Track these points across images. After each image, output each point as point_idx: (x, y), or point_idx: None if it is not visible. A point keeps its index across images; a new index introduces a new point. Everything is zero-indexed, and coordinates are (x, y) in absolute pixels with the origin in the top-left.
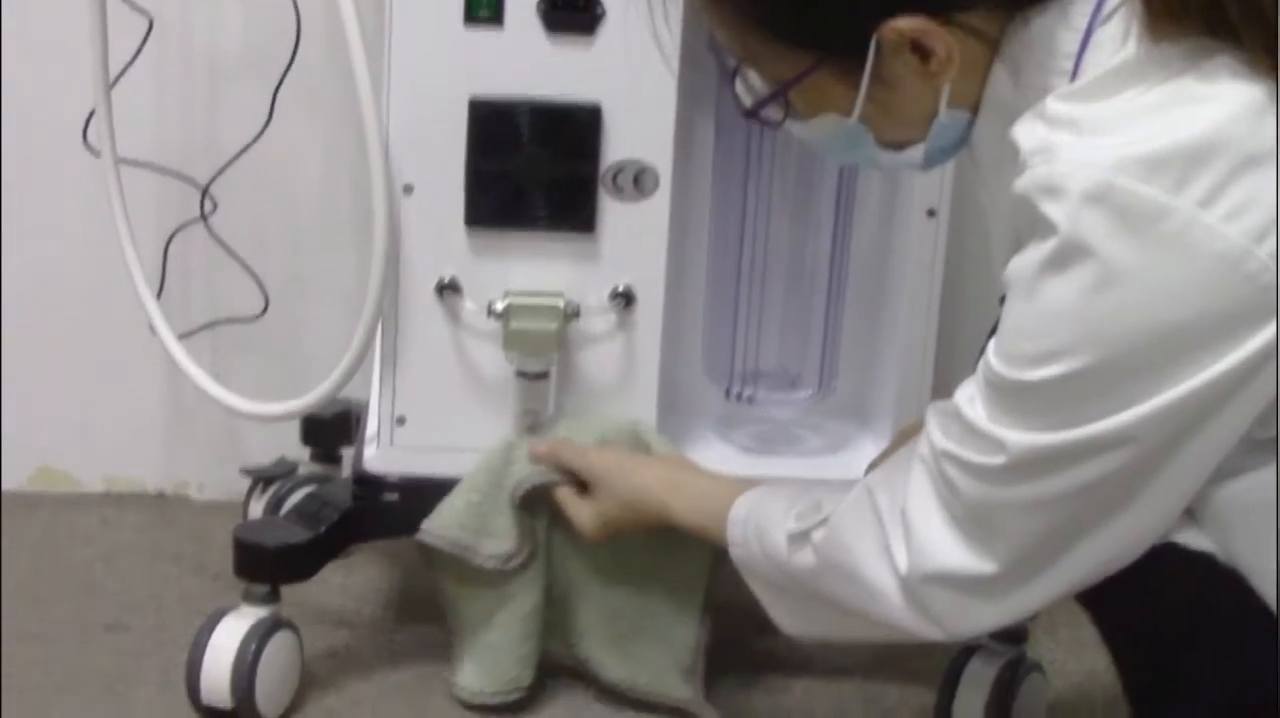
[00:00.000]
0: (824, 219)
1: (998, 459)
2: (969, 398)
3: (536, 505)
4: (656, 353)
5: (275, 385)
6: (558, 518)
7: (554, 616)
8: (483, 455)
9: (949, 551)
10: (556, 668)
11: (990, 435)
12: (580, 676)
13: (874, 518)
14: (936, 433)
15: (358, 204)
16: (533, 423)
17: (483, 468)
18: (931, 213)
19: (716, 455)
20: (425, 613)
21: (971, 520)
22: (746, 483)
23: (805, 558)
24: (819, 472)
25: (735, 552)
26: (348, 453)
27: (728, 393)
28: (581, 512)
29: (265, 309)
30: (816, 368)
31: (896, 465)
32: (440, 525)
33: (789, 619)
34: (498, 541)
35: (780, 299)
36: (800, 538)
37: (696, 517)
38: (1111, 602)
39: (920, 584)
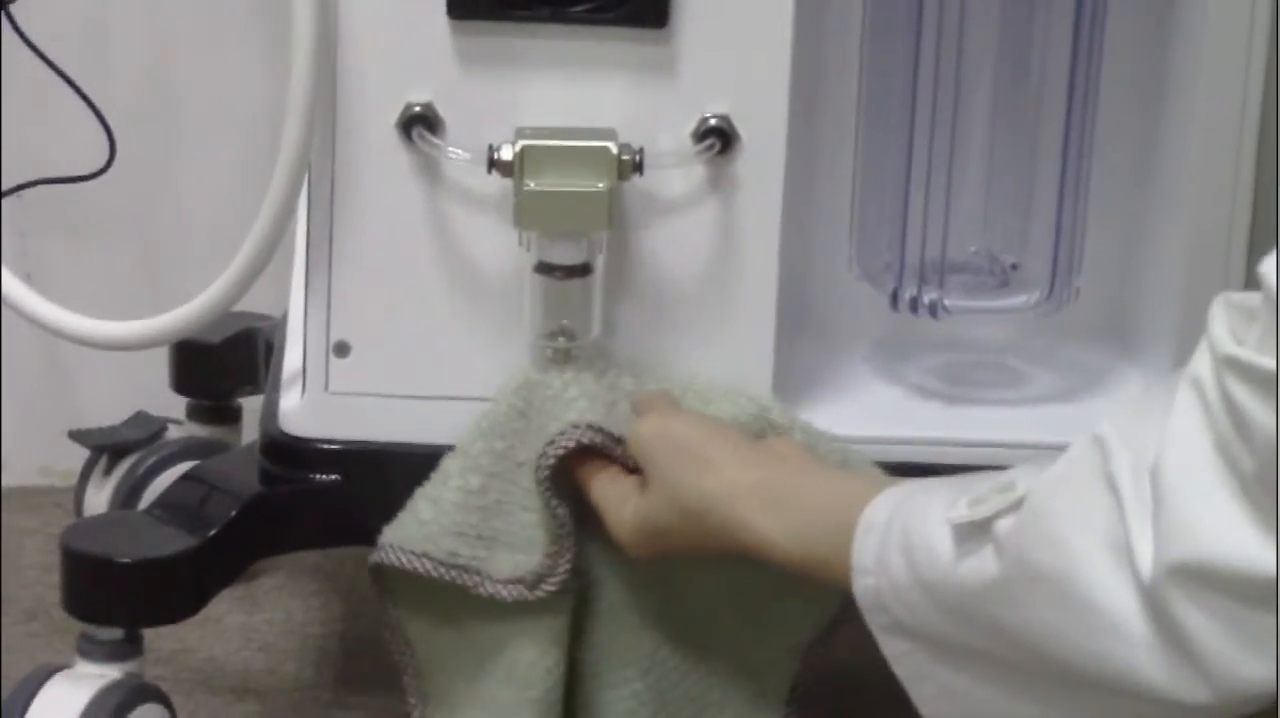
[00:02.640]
0: (1058, 16)
1: None
2: None
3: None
4: (775, 230)
5: (126, 292)
6: (590, 521)
7: (578, 687)
8: (483, 411)
9: (1228, 532)
10: None
11: None
12: None
13: (1105, 489)
14: (1223, 335)
15: None
16: (564, 350)
17: (484, 431)
18: None
19: (874, 405)
20: (381, 673)
21: (1267, 482)
22: (884, 480)
23: (982, 566)
24: (1048, 433)
25: (863, 585)
26: (252, 407)
27: (895, 300)
28: (619, 506)
29: (109, 162)
30: (1046, 257)
31: (1149, 404)
32: (418, 535)
33: (942, 705)
34: (517, 552)
35: (983, 145)
36: (975, 532)
37: (802, 541)
38: None
39: (1174, 589)
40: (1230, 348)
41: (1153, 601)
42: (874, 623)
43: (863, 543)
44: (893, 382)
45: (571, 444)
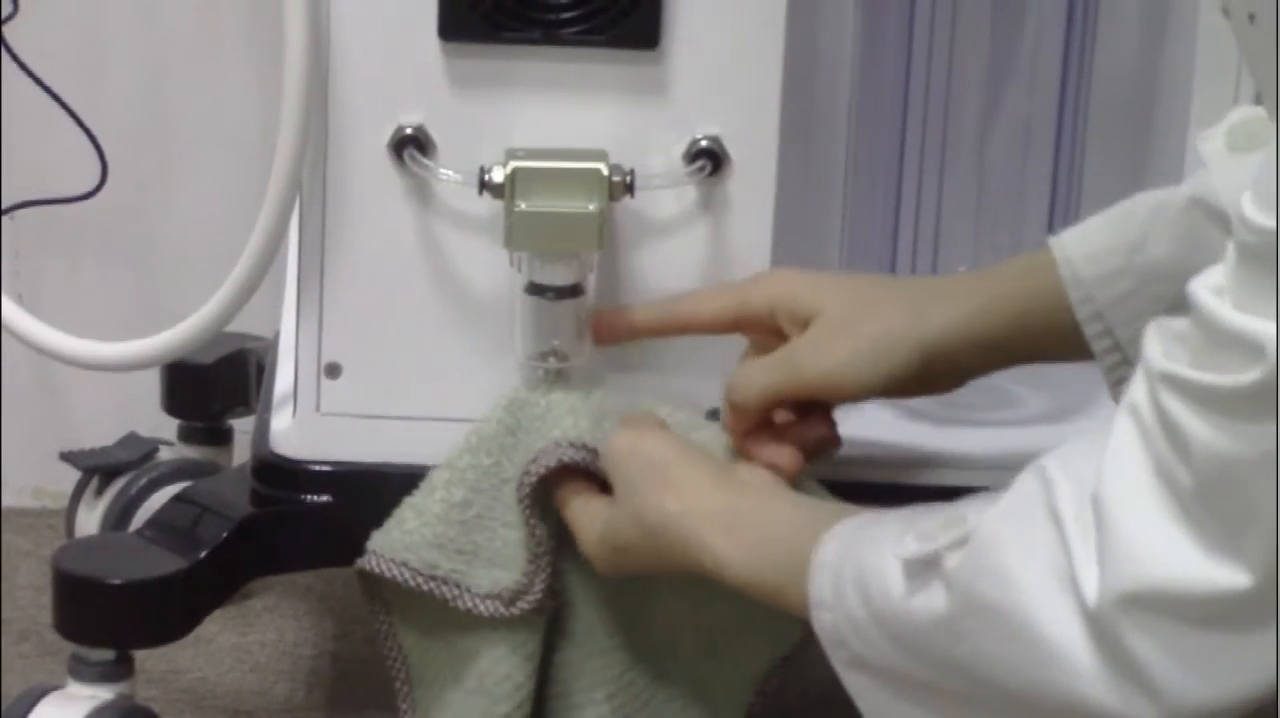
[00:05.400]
0: (1049, 22)
1: (1252, 374)
2: (1213, 288)
3: (552, 510)
4: (766, 251)
5: (118, 313)
6: (566, 538)
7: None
8: (474, 426)
9: (1170, 553)
10: None
11: (1242, 335)
12: None
13: (1048, 521)
14: (1156, 356)
15: (254, 4)
16: (555, 369)
17: (472, 446)
18: (1250, 17)
19: (864, 425)
20: (373, 694)
21: (1207, 498)
22: (845, 511)
23: (932, 601)
24: (1038, 453)
25: (821, 620)
26: (243, 428)
27: None
28: (589, 522)
29: (102, 183)
30: None
31: (1093, 435)
32: (400, 544)
33: None
34: (497, 567)
35: (974, 158)
36: (925, 567)
37: (757, 567)
38: None
39: (1120, 615)
40: (1164, 364)
41: (1099, 628)
42: (835, 658)
43: (818, 578)
44: (883, 402)
45: (553, 463)
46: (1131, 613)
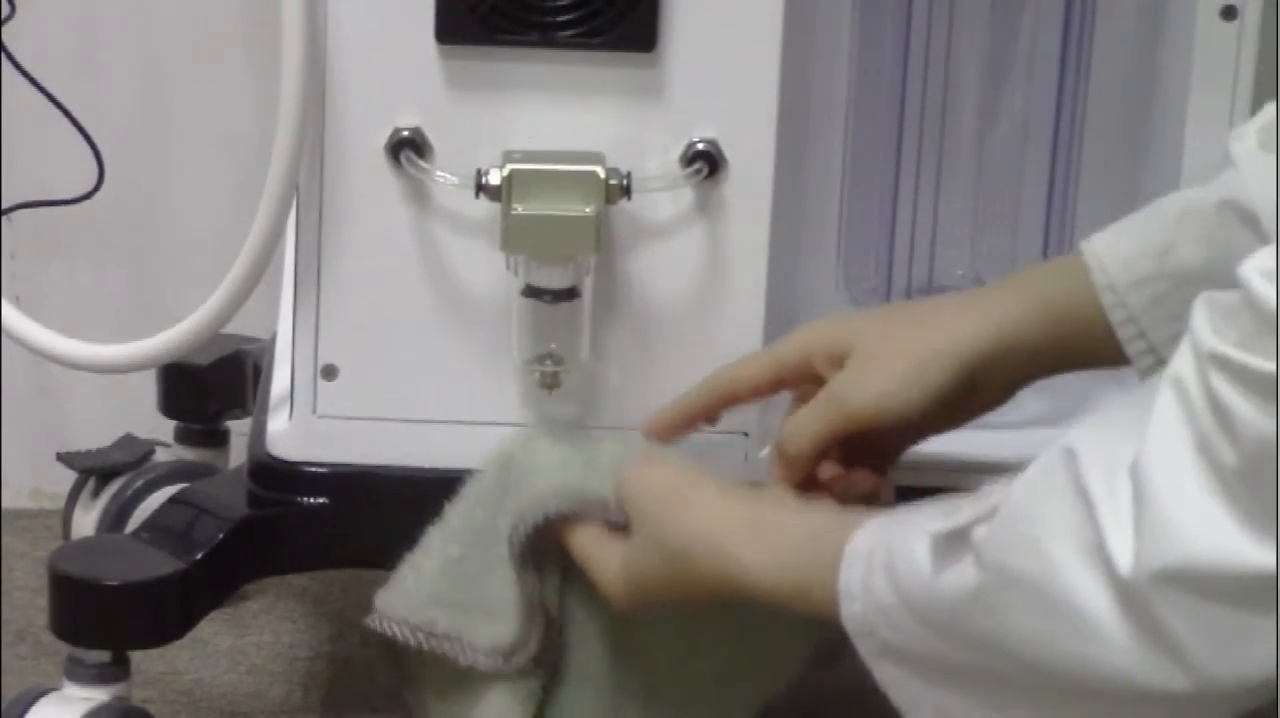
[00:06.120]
0: (1044, 29)
1: None
2: (1264, 271)
3: (547, 561)
4: (763, 254)
5: (115, 314)
6: (573, 578)
7: None
8: (472, 478)
9: (1209, 530)
10: None
11: None
12: None
13: (1074, 493)
14: (1205, 332)
15: (251, 6)
16: (551, 373)
17: (465, 504)
18: (1230, 12)
19: None
20: (368, 696)
21: (1250, 479)
22: (867, 511)
23: (962, 576)
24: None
25: (850, 612)
26: (240, 430)
27: None
28: (605, 560)
29: (98, 185)
30: None
31: (1123, 409)
32: (402, 603)
33: None
34: (496, 622)
35: (971, 163)
36: (953, 542)
37: (784, 571)
38: None
39: (1155, 588)
40: (1216, 344)
41: (1132, 600)
42: (864, 650)
43: (849, 570)
44: None
45: (539, 519)
46: (1167, 587)
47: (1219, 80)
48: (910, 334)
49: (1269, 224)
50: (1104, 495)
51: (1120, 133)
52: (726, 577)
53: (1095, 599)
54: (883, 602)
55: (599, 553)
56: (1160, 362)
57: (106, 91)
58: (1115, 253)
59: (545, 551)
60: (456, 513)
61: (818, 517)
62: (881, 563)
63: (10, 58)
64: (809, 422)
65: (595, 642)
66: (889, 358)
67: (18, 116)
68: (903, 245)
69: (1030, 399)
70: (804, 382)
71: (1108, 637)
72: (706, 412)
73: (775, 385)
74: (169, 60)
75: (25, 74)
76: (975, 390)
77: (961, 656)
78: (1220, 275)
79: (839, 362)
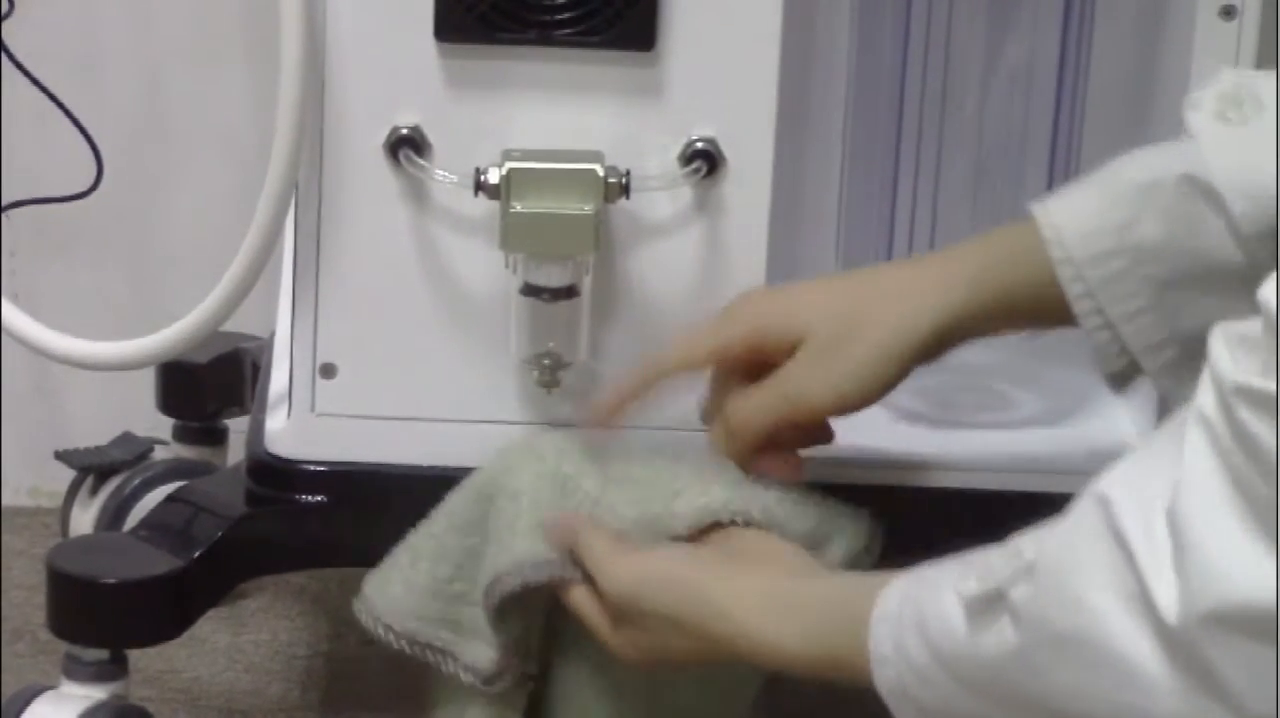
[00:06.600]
0: (1044, 28)
1: None
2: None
3: (528, 608)
4: (761, 252)
5: (113, 312)
6: (564, 614)
7: None
8: (452, 495)
9: (1252, 569)
10: None
11: None
12: None
13: (1112, 542)
14: (1225, 364)
15: (250, 4)
16: (550, 371)
17: (452, 521)
18: (1229, 11)
19: (860, 427)
20: (366, 694)
21: None
22: (888, 574)
23: (1001, 636)
24: (1034, 456)
25: (884, 676)
26: (238, 428)
27: None
28: (603, 625)
29: (97, 182)
30: None
31: (1150, 450)
32: (390, 611)
33: None
34: (479, 646)
35: (969, 162)
36: (990, 603)
37: (815, 643)
38: None
39: (1203, 633)
40: (1238, 377)
41: (1180, 647)
42: (901, 715)
43: (879, 633)
44: (879, 404)
45: (516, 586)
46: (1214, 631)
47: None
48: (865, 319)
49: (1231, 200)
50: (1142, 542)
51: (1119, 131)
52: (757, 654)
53: (1141, 648)
54: (917, 663)
55: (598, 618)
56: (1116, 337)
57: (105, 89)
58: (1073, 226)
59: (525, 600)
60: (445, 530)
61: (839, 581)
62: (913, 623)
63: (9, 55)
64: (762, 409)
65: (576, 670)
66: (844, 352)
67: (16, 114)
68: (901, 245)
69: (1027, 399)
70: (746, 360)
71: (1155, 685)
72: (646, 388)
73: (720, 364)
74: (168, 58)
75: (24, 71)
76: (926, 362)
77: (1003, 715)
78: (1181, 252)
79: (788, 348)
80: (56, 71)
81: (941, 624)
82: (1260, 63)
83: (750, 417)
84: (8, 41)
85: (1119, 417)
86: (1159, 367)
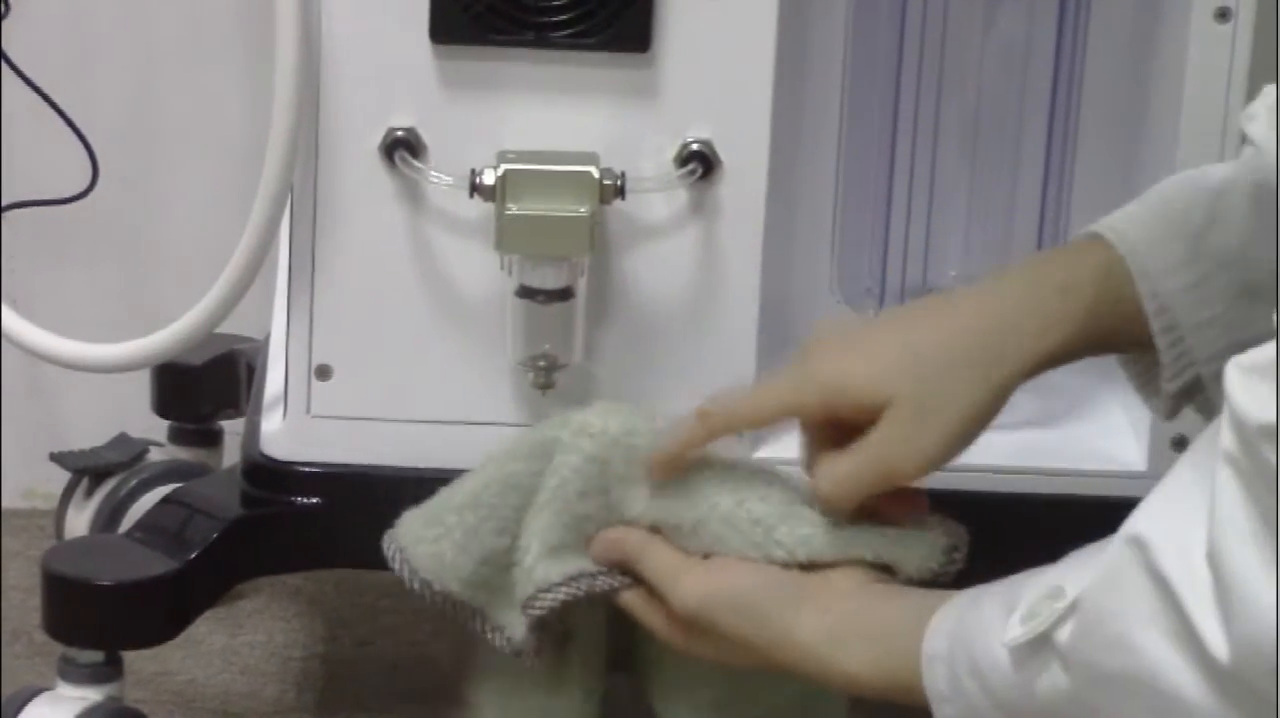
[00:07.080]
0: (1039, 29)
1: None
2: None
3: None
4: (756, 255)
5: (109, 314)
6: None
7: None
8: (500, 455)
9: None
10: None
11: None
12: None
13: (1153, 583)
14: (1246, 403)
15: (245, 6)
16: (545, 373)
17: (505, 483)
18: (1224, 14)
19: None
20: (362, 696)
21: None
22: (941, 598)
23: (1053, 680)
24: (1028, 457)
25: (944, 713)
26: (233, 429)
27: None
28: (684, 640)
29: (92, 184)
30: None
31: (1180, 489)
32: (432, 569)
33: None
34: (514, 618)
35: (965, 163)
36: (1037, 648)
37: (885, 671)
38: None
39: (1252, 668)
40: (1254, 413)
41: (1230, 681)
42: None
43: (931, 672)
44: None
45: (556, 604)
46: (1263, 665)
47: (1213, 82)
48: (952, 388)
49: None
50: (1185, 582)
51: (1114, 134)
52: (829, 680)
53: (1191, 683)
54: (976, 706)
55: (659, 620)
56: (1187, 351)
57: (101, 90)
58: (1145, 238)
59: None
60: (504, 488)
61: (898, 607)
62: (966, 669)
63: (4, 57)
64: (853, 482)
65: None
66: (934, 419)
67: (11, 116)
68: (897, 245)
69: (1023, 400)
70: (818, 421)
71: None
72: (705, 444)
73: (788, 420)
74: (163, 59)
75: (19, 73)
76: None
77: None
78: (1255, 259)
79: (869, 412)
80: (51, 74)
81: (995, 669)
82: (1254, 64)
83: (842, 491)
84: (3, 43)
85: (1116, 418)
86: (1214, 374)
